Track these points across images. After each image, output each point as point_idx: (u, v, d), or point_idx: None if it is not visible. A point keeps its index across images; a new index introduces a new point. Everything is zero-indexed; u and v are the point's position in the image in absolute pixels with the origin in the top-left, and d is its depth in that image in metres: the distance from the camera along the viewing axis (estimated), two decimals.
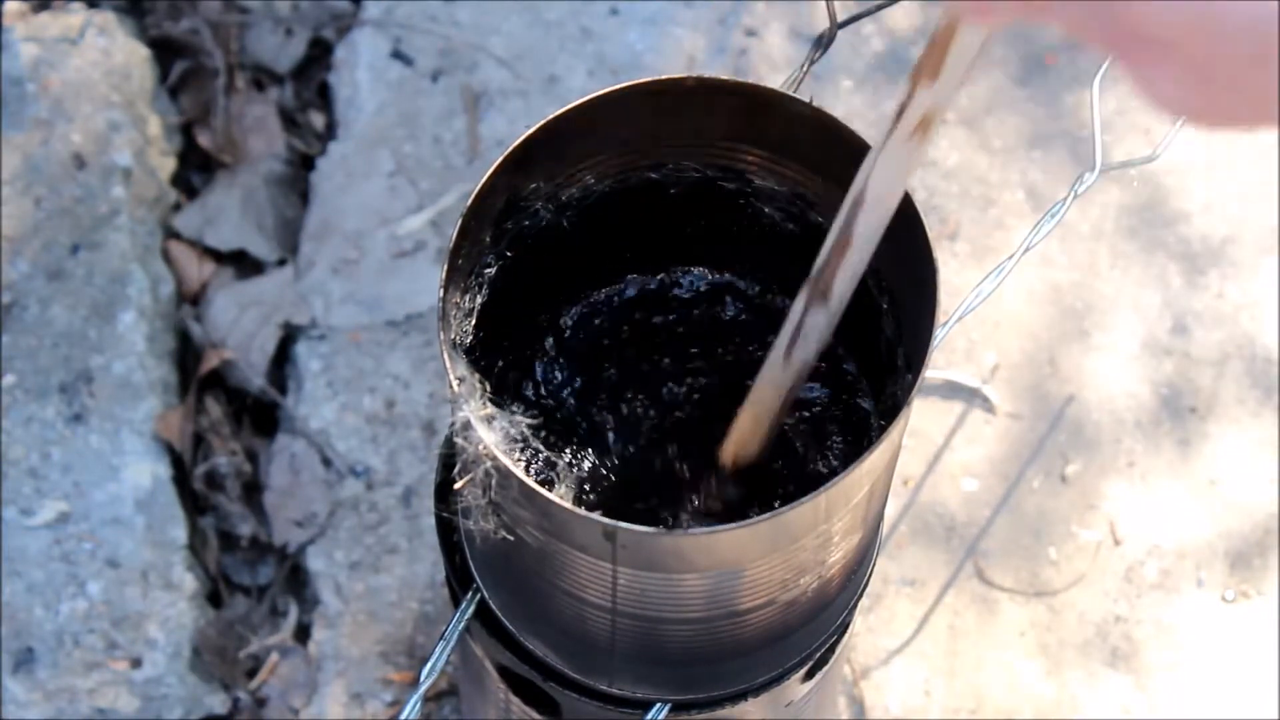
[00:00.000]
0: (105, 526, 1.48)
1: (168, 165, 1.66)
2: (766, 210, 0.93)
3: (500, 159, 0.84)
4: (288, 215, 1.66)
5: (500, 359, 0.95)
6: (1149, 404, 1.58)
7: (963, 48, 0.64)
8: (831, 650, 1.01)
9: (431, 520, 1.28)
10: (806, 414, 0.95)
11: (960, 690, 1.48)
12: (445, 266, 0.82)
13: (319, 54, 1.73)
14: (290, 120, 1.70)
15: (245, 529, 1.52)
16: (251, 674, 1.47)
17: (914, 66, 0.66)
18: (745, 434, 0.82)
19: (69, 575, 1.46)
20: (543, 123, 0.85)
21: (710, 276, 0.99)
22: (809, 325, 0.74)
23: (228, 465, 1.53)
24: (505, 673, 1.01)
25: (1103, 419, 1.57)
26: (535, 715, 1.02)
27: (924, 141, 0.66)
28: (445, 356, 0.80)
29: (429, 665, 0.94)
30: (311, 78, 1.73)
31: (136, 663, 1.44)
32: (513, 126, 1.66)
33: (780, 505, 0.77)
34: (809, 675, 1.00)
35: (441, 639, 0.96)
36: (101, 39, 1.66)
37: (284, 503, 1.52)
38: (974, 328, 1.60)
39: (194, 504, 1.53)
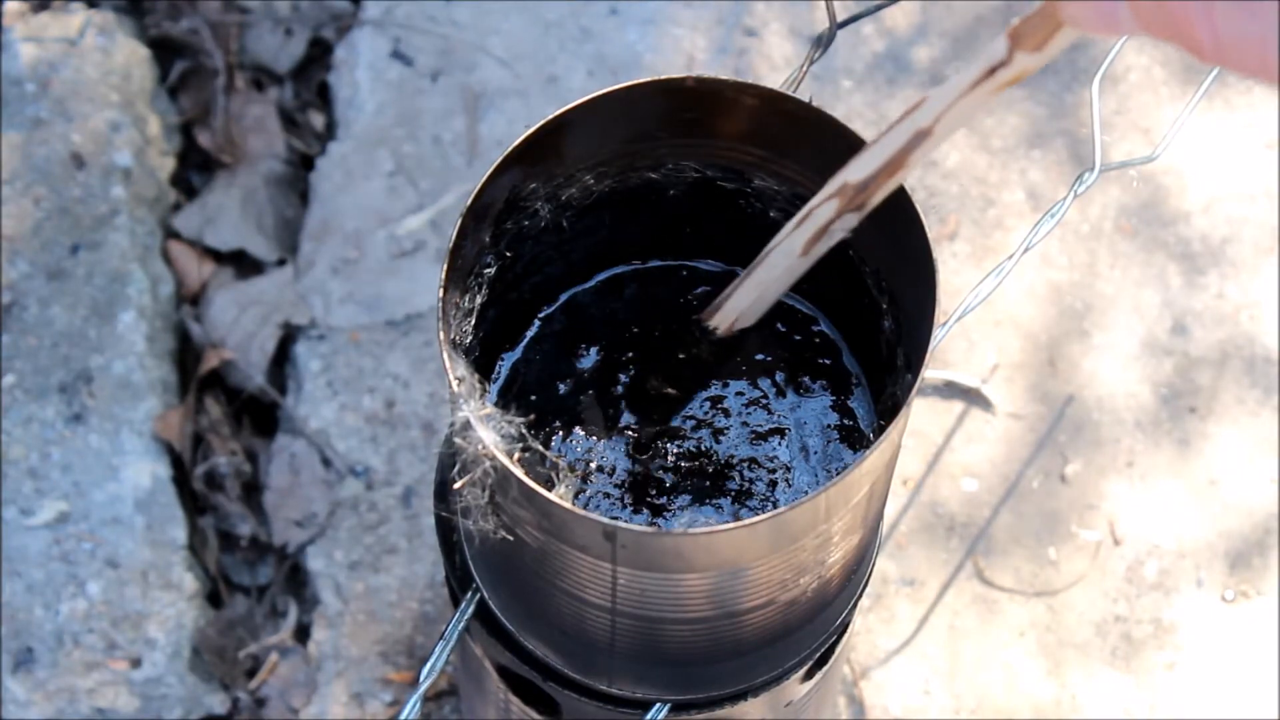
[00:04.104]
0: (105, 526, 1.48)
1: (167, 165, 1.66)
2: (766, 210, 0.93)
3: (500, 159, 0.84)
4: (287, 215, 1.66)
5: (500, 358, 0.95)
6: (1149, 404, 1.58)
7: (1071, 34, 0.68)
8: (831, 650, 1.01)
9: (431, 520, 1.28)
10: (805, 412, 0.95)
11: (960, 690, 1.48)
12: (445, 266, 0.82)
13: (319, 54, 1.73)
14: (290, 120, 1.70)
15: (245, 529, 1.52)
16: (251, 674, 1.47)
17: (1014, 31, 0.69)
18: (746, 306, 0.85)
19: (69, 575, 1.46)
20: (543, 123, 0.85)
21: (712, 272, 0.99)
22: (837, 227, 0.78)
23: (227, 465, 1.53)
24: (505, 673, 1.01)
25: (1103, 419, 1.57)
26: (535, 715, 1.02)
27: (1000, 94, 0.71)
28: (445, 356, 0.80)
29: (429, 665, 0.94)
30: (311, 78, 1.73)
31: (136, 663, 1.44)
32: (513, 126, 1.66)
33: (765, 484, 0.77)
34: (809, 675, 1.00)
35: (441, 639, 0.96)
36: (101, 39, 1.66)
37: (284, 503, 1.52)
38: (974, 328, 1.60)
39: (194, 504, 1.53)
